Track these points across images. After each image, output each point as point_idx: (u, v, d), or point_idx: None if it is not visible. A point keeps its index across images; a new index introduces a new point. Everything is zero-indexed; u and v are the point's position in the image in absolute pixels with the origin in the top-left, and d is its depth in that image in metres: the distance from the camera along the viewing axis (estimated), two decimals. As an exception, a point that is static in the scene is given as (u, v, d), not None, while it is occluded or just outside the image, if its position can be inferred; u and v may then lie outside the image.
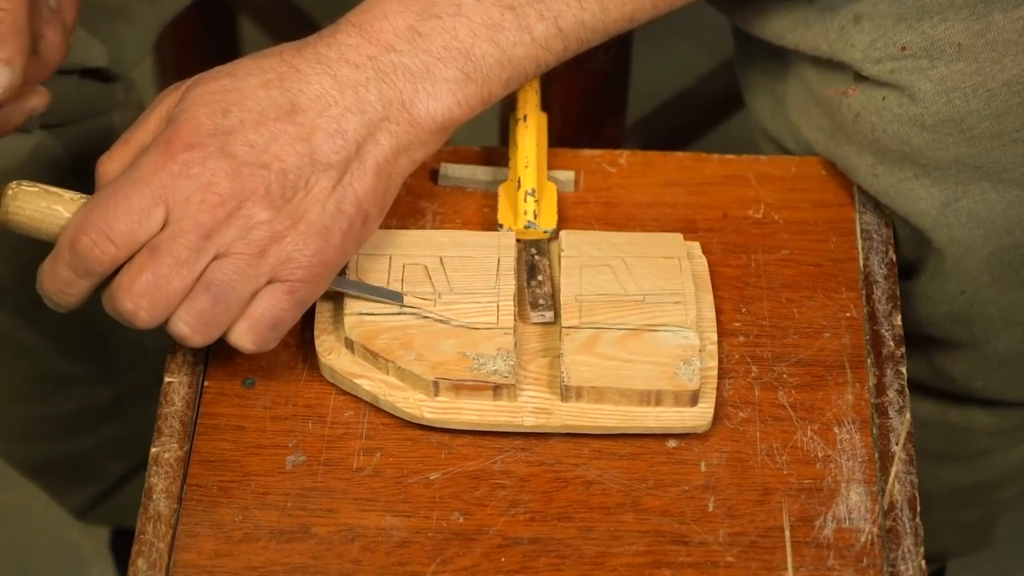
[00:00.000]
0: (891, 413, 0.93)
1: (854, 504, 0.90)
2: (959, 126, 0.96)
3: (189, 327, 0.88)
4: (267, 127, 0.88)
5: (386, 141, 0.90)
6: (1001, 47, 0.94)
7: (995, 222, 0.99)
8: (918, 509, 0.90)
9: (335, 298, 0.95)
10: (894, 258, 1.00)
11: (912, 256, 1.04)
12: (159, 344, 1.27)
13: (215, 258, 0.87)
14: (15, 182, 0.90)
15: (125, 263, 0.87)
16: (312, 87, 0.89)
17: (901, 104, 0.97)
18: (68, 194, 0.90)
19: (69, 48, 0.93)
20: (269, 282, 0.88)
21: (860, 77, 0.99)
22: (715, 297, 0.97)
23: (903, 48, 0.96)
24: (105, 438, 1.34)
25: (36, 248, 1.13)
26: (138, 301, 0.87)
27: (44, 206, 0.90)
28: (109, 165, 0.91)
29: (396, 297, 0.94)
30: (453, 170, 1.03)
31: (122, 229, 0.86)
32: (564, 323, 0.93)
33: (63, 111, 1.07)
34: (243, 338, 0.89)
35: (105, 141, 0.92)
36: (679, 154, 1.05)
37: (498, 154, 1.05)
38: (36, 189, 0.90)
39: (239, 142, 0.87)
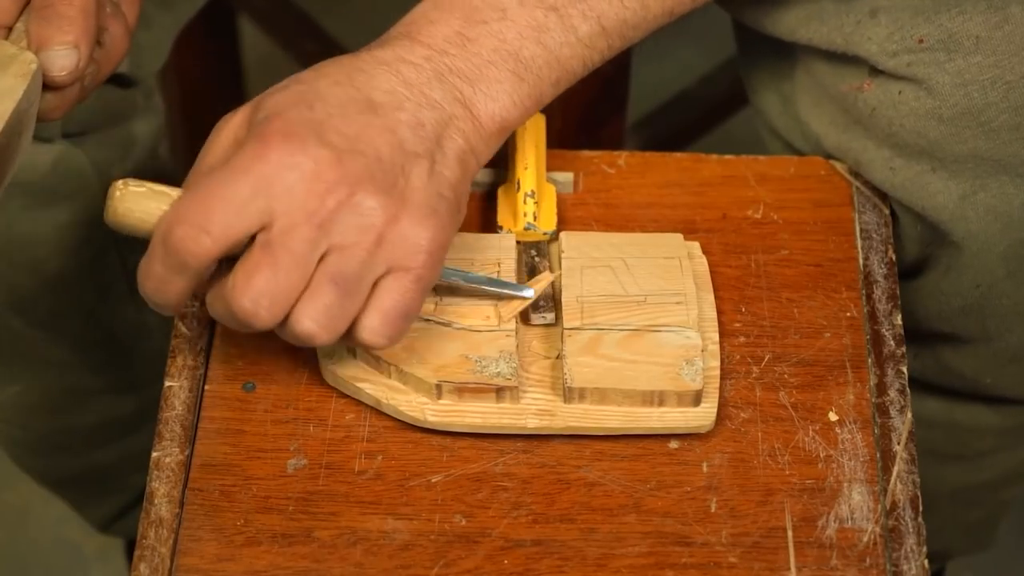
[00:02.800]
0: (892, 413, 0.93)
1: (856, 504, 0.90)
2: (977, 119, 0.96)
3: (317, 323, 0.84)
4: (353, 119, 0.86)
5: (458, 136, 0.89)
6: (1019, 39, 0.94)
7: (1013, 215, 0.99)
8: (920, 509, 0.90)
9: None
10: (894, 257, 1.00)
11: (922, 252, 1.04)
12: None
13: (331, 250, 0.84)
14: (122, 182, 0.87)
15: (227, 261, 0.84)
16: (382, 84, 0.88)
17: (918, 97, 0.97)
18: (175, 192, 0.87)
19: (131, 43, 0.93)
20: (388, 271, 0.85)
21: (875, 71, 0.99)
22: (715, 298, 0.97)
23: (920, 41, 0.96)
24: (128, 451, 1.34)
25: (60, 260, 1.14)
26: (258, 300, 0.83)
27: (155, 207, 0.86)
28: None
29: (526, 291, 0.94)
30: (453, 172, 1.03)
31: (218, 220, 0.82)
32: (566, 324, 0.93)
33: (85, 119, 1.07)
34: (376, 334, 0.86)
35: (126, 151, 0.91)
36: (678, 155, 1.05)
37: (497, 156, 1.05)
38: (143, 189, 0.86)
39: (333, 131, 0.85)
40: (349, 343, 0.87)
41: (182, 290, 0.85)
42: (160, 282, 0.85)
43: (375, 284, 0.85)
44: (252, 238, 0.84)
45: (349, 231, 0.84)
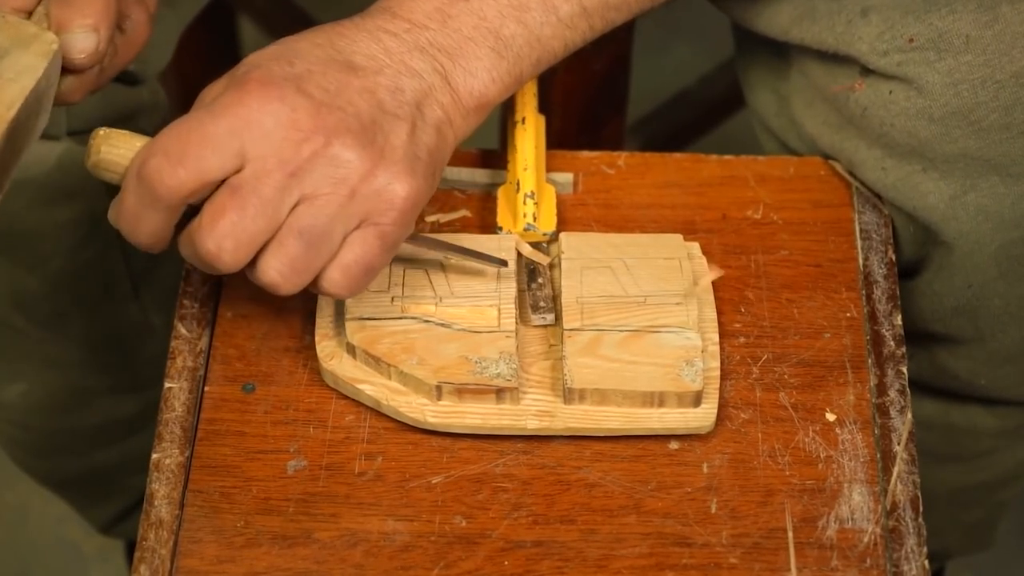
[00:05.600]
0: (892, 413, 0.93)
1: (857, 504, 0.90)
2: (967, 118, 0.96)
3: (280, 275, 0.85)
4: (333, 76, 0.86)
5: (437, 108, 0.89)
6: (1009, 38, 0.94)
7: (1003, 215, 0.99)
8: (920, 509, 0.90)
9: (336, 303, 0.95)
10: (893, 258, 1.00)
11: (916, 253, 1.04)
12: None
13: (302, 200, 0.84)
14: (104, 128, 0.88)
15: (202, 202, 0.85)
16: (362, 49, 0.88)
17: (908, 97, 0.97)
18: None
19: (152, 30, 0.93)
20: (359, 225, 0.86)
21: (867, 71, 0.98)
22: (715, 298, 0.97)
23: (910, 40, 0.96)
24: (129, 452, 1.34)
25: (63, 258, 1.13)
26: (221, 242, 0.83)
27: (138, 145, 0.87)
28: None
29: (500, 263, 0.95)
30: (452, 173, 1.03)
31: (193, 154, 0.83)
32: (566, 325, 0.93)
33: (90, 116, 1.07)
34: (336, 286, 0.86)
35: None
36: (677, 155, 1.05)
37: (497, 157, 1.05)
38: (126, 132, 0.88)
39: (312, 84, 0.85)
40: (312, 290, 0.88)
41: (156, 226, 0.86)
42: (133, 217, 0.86)
43: (348, 235, 0.86)
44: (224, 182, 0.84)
45: (322, 182, 0.84)
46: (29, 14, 0.88)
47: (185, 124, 0.84)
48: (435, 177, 0.89)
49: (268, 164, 0.83)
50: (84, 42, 0.87)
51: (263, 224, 0.84)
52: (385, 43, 0.89)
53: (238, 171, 0.84)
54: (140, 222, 0.86)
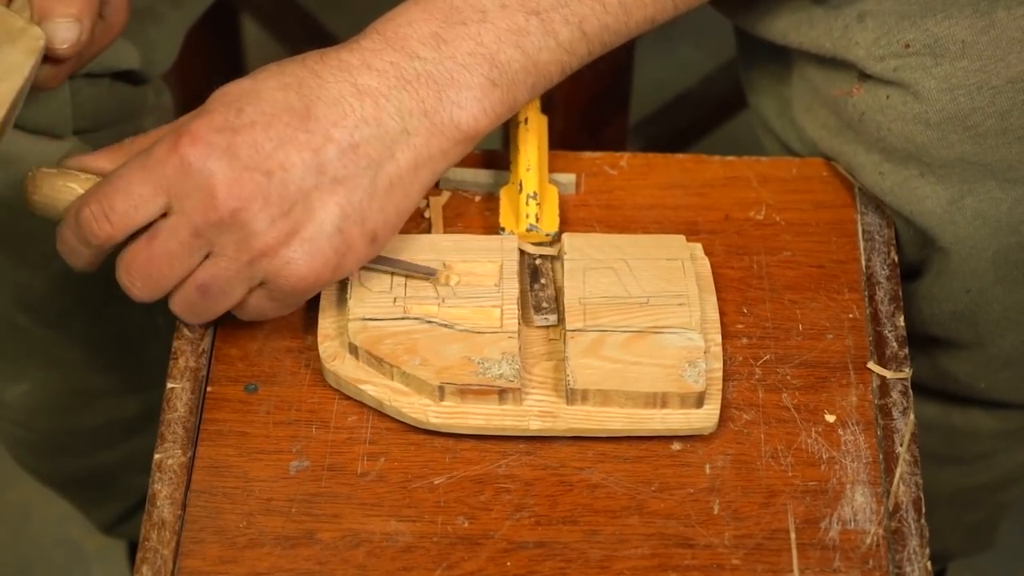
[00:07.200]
0: (895, 414, 0.93)
1: (859, 506, 0.90)
2: (964, 124, 0.96)
3: (182, 312, 0.91)
4: (277, 130, 0.87)
5: (404, 156, 0.90)
6: (1005, 44, 0.94)
7: (1001, 220, 0.99)
8: (923, 510, 0.90)
9: (338, 304, 0.95)
10: (896, 259, 1.00)
11: (916, 256, 1.04)
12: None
13: (210, 255, 0.88)
14: (34, 168, 0.92)
15: (130, 240, 0.89)
16: (330, 93, 0.88)
17: (905, 102, 0.97)
18: (84, 175, 0.91)
19: (129, 14, 0.94)
20: (261, 283, 0.90)
21: (864, 76, 0.99)
22: (718, 299, 0.97)
23: (907, 46, 0.96)
24: (132, 452, 1.34)
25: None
26: (133, 280, 0.89)
27: (60, 184, 0.91)
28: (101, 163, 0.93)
29: (429, 272, 0.95)
30: (454, 173, 1.03)
31: (120, 210, 0.88)
32: (568, 326, 0.93)
33: (96, 115, 1.07)
34: (239, 316, 0.93)
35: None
36: (680, 156, 1.05)
37: (499, 157, 1.05)
38: (54, 170, 0.91)
39: (246, 143, 0.87)
40: None
41: (90, 259, 0.91)
42: (71, 249, 0.91)
43: (252, 289, 0.90)
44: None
45: (228, 244, 0.88)
46: (9, 1, 0.88)
47: (122, 176, 0.88)
48: (374, 243, 0.90)
49: (180, 221, 0.87)
50: (67, 32, 0.89)
51: (167, 271, 0.89)
52: (362, 82, 0.89)
53: (165, 214, 0.88)
54: (76, 255, 0.91)
